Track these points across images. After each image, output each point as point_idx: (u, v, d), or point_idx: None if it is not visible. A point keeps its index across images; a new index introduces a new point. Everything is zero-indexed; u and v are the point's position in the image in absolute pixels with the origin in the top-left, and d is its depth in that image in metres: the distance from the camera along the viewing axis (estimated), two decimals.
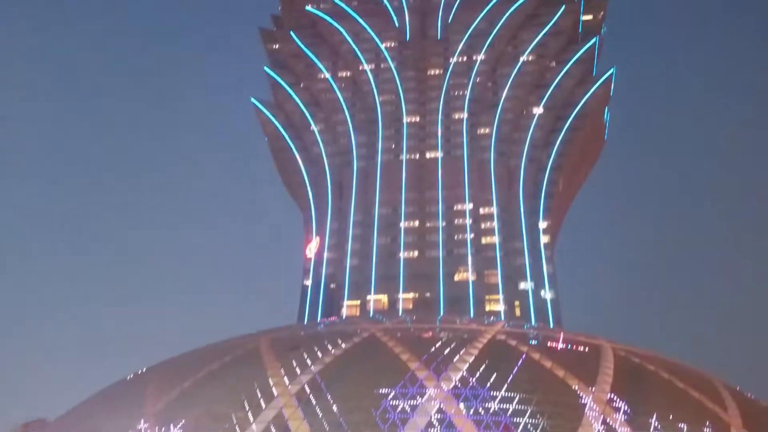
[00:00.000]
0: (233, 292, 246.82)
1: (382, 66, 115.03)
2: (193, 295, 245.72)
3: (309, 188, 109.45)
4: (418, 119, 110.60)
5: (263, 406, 46.75)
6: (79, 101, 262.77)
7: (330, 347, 52.95)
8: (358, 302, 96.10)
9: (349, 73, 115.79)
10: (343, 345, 53.42)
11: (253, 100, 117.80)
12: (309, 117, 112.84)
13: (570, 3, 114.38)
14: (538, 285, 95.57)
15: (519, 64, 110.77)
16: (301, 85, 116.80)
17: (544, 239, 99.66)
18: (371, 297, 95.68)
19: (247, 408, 46.46)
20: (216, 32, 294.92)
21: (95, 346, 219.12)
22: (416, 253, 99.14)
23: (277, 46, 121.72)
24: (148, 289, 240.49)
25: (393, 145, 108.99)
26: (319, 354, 51.93)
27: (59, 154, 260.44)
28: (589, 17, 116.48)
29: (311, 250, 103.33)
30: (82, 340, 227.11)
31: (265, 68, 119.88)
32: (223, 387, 49.84)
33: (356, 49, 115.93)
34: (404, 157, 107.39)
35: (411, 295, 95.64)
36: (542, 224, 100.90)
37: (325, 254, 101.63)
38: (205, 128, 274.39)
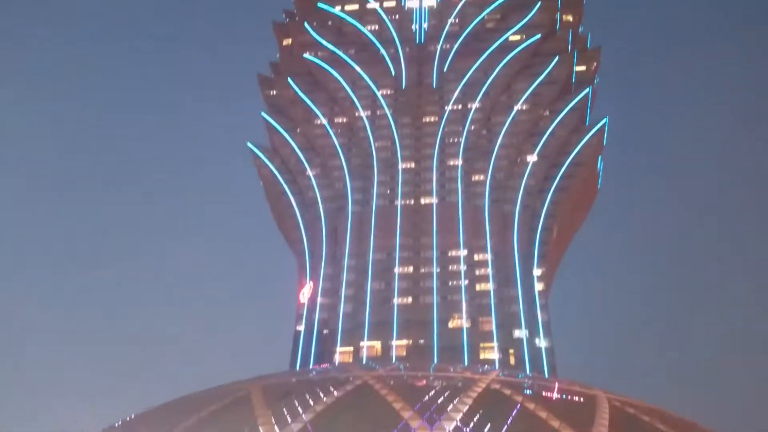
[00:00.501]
0: (226, 337, 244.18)
1: (378, 113, 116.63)
2: (185, 340, 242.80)
3: (303, 233, 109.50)
4: (413, 165, 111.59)
5: None
6: (72, 137, 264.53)
7: (322, 395, 52.17)
8: (351, 349, 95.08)
9: (345, 119, 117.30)
10: (336, 393, 52.65)
11: (249, 144, 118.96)
12: (305, 162, 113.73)
13: (564, 54, 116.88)
14: (533, 333, 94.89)
15: (513, 112, 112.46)
16: (298, 130, 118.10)
17: (538, 287, 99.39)
18: (364, 343, 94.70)
19: None
20: (214, 78, 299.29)
21: (85, 388, 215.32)
22: (410, 299, 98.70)
23: (274, 92, 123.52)
24: (141, 332, 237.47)
25: (388, 191, 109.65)
26: (311, 402, 51.13)
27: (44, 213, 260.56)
28: (582, 68, 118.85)
29: (304, 296, 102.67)
30: (71, 381, 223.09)
31: (262, 113, 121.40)
32: None
33: (353, 95, 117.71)
34: (399, 202, 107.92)
35: (405, 341, 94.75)
36: (537, 271, 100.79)
37: (319, 299, 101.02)
38: (201, 173, 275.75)
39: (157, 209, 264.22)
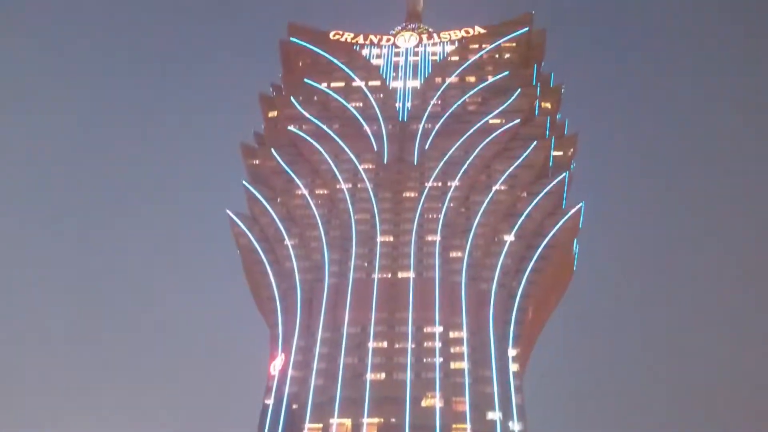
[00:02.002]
0: (190, 408, 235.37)
1: (359, 186, 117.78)
2: (146, 409, 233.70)
3: (278, 303, 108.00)
4: (391, 239, 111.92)
5: None
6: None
7: None
8: (320, 426, 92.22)
9: (326, 191, 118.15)
10: None
11: (228, 212, 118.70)
12: (284, 231, 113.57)
13: (542, 139, 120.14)
14: (507, 415, 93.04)
15: (491, 193, 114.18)
16: (278, 200, 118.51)
17: (513, 367, 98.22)
18: (334, 421, 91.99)
19: None
20: (198, 144, 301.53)
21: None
22: (383, 375, 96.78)
23: (257, 162, 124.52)
24: (112, 400, 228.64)
25: (366, 264, 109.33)
26: None
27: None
28: (559, 153, 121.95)
29: (275, 368, 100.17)
30: None
31: (244, 182, 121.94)
32: None
33: (335, 168, 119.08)
34: (376, 276, 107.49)
35: (376, 420, 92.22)
36: (512, 351, 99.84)
37: (290, 372, 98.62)
38: (179, 237, 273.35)
39: (134, 268, 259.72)
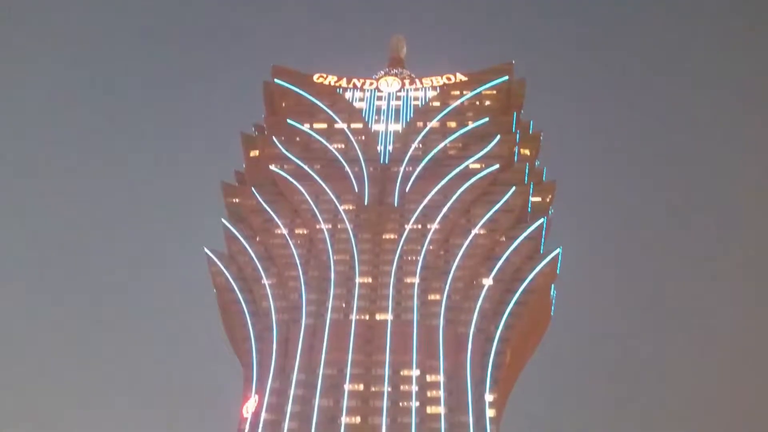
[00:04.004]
0: None
1: (339, 227, 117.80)
2: None
3: (253, 343, 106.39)
4: (370, 280, 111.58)
5: None
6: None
7: None
8: None
9: (306, 231, 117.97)
10: None
11: (206, 250, 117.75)
12: (261, 271, 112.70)
13: (520, 185, 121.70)
14: None
15: (471, 236, 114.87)
16: (257, 239, 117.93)
17: (490, 413, 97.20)
18: None
19: None
20: (173, 183, 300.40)
21: None
22: (359, 419, 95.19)
23: (237, 200, 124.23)
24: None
25: (343, 304, 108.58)
26: None
27: None
28: (538, 199, 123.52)
29: (248, 410, 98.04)
30: None
31: (223, 220, 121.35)
32: None
33: (315, 209, 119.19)
34: (354, 317, 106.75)
35: None
36: (489, 397, 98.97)
37: (263, 415, 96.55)
38: (153, 273, 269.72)
39: (105, 304, 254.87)
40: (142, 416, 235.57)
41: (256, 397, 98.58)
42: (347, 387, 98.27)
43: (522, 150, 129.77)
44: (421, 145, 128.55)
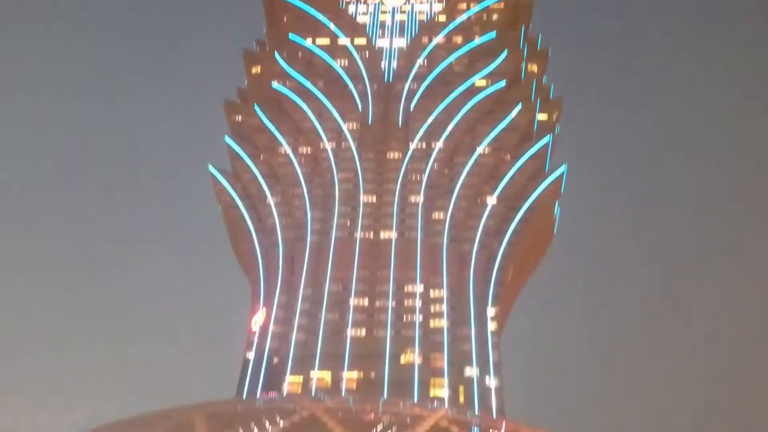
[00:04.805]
0: (170, 360, 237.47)
1: (342, 145, 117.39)
2: (128, 361, 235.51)
3: (260, 260, 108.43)
4: (374, 199, 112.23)
5: None
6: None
7: (268, 424, 51.49)
8: (300, 379, 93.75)
9: (309, 150, 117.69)
10: (282, 423, 52.11)
11: (210, 168, 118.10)
12: (266, 189, 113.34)
13: (527, 102, 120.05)
14: (484, 372, 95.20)
15: (475, 154, 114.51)
16: (261, 158, 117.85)
17: (491, 326, 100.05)
18: (315, 374, 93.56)
19: None
20: (177, 100, 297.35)
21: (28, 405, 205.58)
22: (364, 331, 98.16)
23: (240, 119, 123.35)
24: (85, 351, 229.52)
25: (348, 223, 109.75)
26: (256, 431, 50.33)
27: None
28: (544, 117, 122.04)
29: (256, 323, 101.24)
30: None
31: (226, 138, 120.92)
32: None
33: (319, 127, 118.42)
34: (358, 235, 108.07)
35: (356, 374, 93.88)
36: (491, 311, 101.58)
37: (271, 327, 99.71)
38: (159, 191, 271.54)
39: (113, 224, 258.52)
40: (152, 336, 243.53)
41: (264, 310, 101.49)
42: (352, 302, 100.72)
43: (529, 66, 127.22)
44: (425, 62, 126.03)
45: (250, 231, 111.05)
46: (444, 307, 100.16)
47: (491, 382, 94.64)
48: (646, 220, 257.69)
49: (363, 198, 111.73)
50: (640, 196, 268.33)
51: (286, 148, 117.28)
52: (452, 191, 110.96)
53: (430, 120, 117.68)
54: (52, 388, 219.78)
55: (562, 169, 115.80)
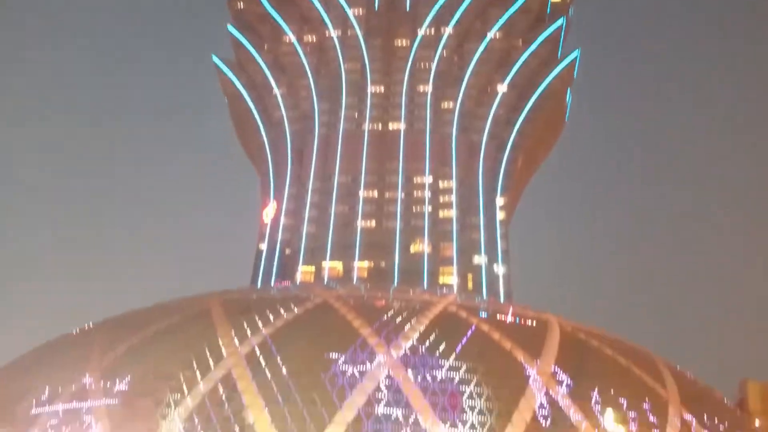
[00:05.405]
0: (184, 253, 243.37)
1: (349, 33, 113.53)
2: (144, 255, 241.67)
3: (268, 153, 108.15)
4: (382, 89, 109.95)
5: (212, 366, 46.69)
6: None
7: (282, 311, 53.08)
8: (313, 268, 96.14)
9: (315, 39, 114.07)
10: (296, 310, 53.66)
11: (214, 58, 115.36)
12: (272, 80, 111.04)
13: None
14: (492, 260, 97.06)
15: (486, 40, 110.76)
16: (265, 48, 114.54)
17: (500, 215, 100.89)
18: (326, 264, 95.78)
19: (195, 367, 46.34)
20: None
21: (43, 299, 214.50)
22: (373, 222, 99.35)
23: (242, 6, 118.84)
24: (98, 247, 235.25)
25: (356, 114, 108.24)
26: (271, 317, 52.02)
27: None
28: None
29: (267, 215, 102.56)
30: (30, 291, 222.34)
31: (229, 27, 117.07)
32: (171, 346, 49.60)
33: (324, 14, 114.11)
34: (367, 126, 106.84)
35: (366, 264, 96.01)
36: (499, 200, 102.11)
37: (282, 220, 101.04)
38: (161, 85, 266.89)
39: (117, 122, 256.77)
40: (171, 233, 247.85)
41: (274, 203, 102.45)
42: (362, 193, 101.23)
43: None
44: None
45: (257, 124, 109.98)
46: (453, 198, 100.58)
47: (499, 269, 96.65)
48: (657, 109, 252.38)
49: (371, 88, 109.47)
50: (654, 84, 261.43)
51: (291, 37, 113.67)
52: (462, 79, 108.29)
53: (438, 4, 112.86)
54: (68, 286, 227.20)
55: (575, 53, 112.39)
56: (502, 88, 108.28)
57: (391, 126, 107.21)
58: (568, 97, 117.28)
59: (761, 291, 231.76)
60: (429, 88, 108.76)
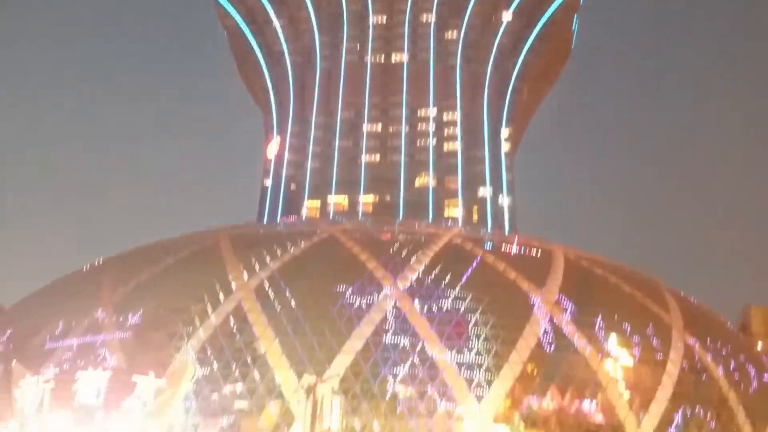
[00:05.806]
0: (190, 190, 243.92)
1: None
2: (151, 193, 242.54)
3: (270, 88, 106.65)
4: (384, 20, 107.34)
5: (222, 299, 47.37)
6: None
7: (290, 246, 53.35)
8: (318, 203, 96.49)
9: None
10: (303, 244, 53.89)
11: None
12: (271, 12, 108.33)
13: None
14: (497, 192, 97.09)
15: None
16: None
17: (505, 147, 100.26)
18: (332, 198, 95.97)
19: (206, 301, 47.01)
20: None
21: (51, 237, 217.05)
22: (378, 157, 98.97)
23: None
24: (105, 185, 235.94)
25: (358, 46, 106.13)
26: (279, 252, 52.34)
27: None
28: None
29: (271, 151, 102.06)
30: (39, 228, 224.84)
31: None
32: (182, 280, 50.15)
33: None
34: (369, 59, 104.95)
35: (371, 198, 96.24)
36: (504, 132, 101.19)
37: (286, 156, 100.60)
38: (160, 21, 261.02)
39: (119, 60, 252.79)
40: (178, 171, 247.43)
41: (279, 138, 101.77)
42: (365, 128, 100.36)
43: None
44: None
45: (257, 58, 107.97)
46: (457, 130, 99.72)
47: (504, 201, 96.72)
48: (664, 35, 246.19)
49: (372, 19, 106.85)
50: (665, 11, 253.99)
51: None
52: (465, 8, 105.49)
53: None
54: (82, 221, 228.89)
55: None
56: (506, 16, 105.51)
57: (394, 58, 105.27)
58: (575, 25, 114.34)
59: (765, 218, 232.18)
60: (432, 18, 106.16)
